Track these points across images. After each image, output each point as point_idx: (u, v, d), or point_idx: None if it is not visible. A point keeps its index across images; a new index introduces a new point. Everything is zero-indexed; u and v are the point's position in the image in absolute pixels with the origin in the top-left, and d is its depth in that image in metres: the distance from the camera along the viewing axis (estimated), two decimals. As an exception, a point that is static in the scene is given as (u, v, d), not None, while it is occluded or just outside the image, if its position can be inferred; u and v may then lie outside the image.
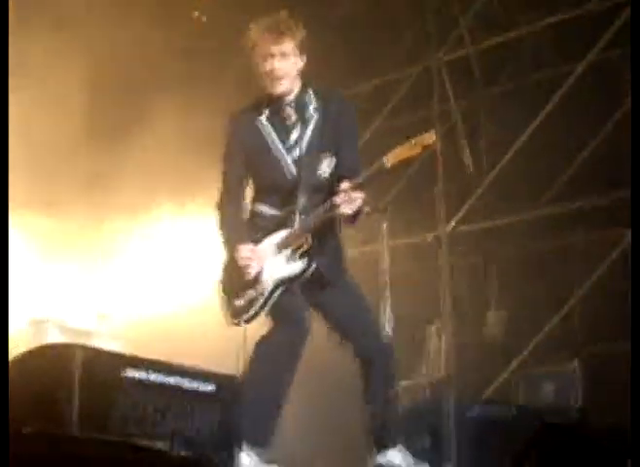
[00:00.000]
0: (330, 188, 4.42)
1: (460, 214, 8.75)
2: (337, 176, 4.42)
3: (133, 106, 8.47)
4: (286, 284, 4.38)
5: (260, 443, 4.25)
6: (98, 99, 8.28)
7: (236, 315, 4.42)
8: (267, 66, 4.35)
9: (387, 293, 7.19)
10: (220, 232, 4.52)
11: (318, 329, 4.55)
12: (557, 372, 8.15)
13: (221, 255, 4.53)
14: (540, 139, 8.44)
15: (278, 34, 4.33)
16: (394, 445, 4.45)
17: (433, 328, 8.96)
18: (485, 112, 9.25)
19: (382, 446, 4.46)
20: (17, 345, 6.56)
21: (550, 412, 7.33)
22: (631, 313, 4.23)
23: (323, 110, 4.47)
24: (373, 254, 7.31)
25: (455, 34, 9.08)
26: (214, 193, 4.56)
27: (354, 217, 4.35)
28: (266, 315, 4.41)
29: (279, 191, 4.47)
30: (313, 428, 7.17)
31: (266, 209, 4.50)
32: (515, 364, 8.35)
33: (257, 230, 4.46)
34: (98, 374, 3.37)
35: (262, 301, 4.36)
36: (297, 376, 4.41)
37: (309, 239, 4.38)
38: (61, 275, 8.35)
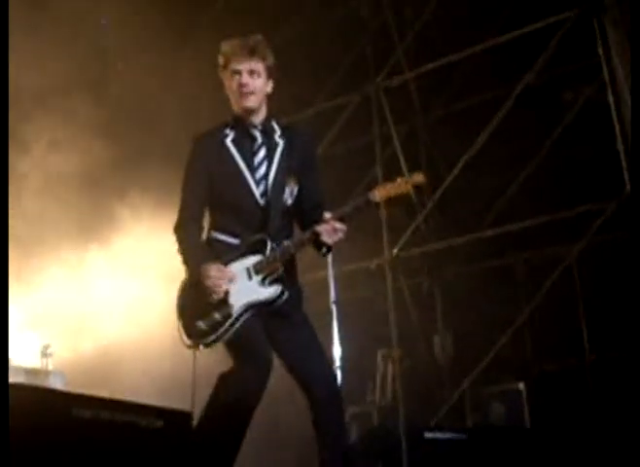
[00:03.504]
0: (291, 217, 4.45)
1: (402, 241, 8.70)
2: (299, 206, 4.44)
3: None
4: (255, 309, 4.24)
5: None
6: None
7: (196, 337, 4.21)
8: (238, 81, 4.36)
9: (335, 323, 7.20)
10: (181, 251, 4.35)
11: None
12: (506, 392, 8.18)
13: (176, 278, 4.37)
14: (480, 161, 8.49)
15: (250, 52, 4.37)
16: None
17: (381, 353, 8.97)
18: (425, 136, 9.28)
19: None
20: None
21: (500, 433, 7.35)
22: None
23: (288, 139, 4.47)
24: (320, 282, 7.30)
25: (393, 60, 9.10)
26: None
27: (328, 249, 4.32)
28: (227, 345, 4.22)
29: (243, 215, 4.37)
30: (268, 444, 7.09)
31: (223, 238, 4.39)
32: (462, 386, 8.35)
33: (215, 256, 4.30)
34: (46, 414, 3.28)
35: (227, 325, 4.19)
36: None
37: (282, 267, 4.31)
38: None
